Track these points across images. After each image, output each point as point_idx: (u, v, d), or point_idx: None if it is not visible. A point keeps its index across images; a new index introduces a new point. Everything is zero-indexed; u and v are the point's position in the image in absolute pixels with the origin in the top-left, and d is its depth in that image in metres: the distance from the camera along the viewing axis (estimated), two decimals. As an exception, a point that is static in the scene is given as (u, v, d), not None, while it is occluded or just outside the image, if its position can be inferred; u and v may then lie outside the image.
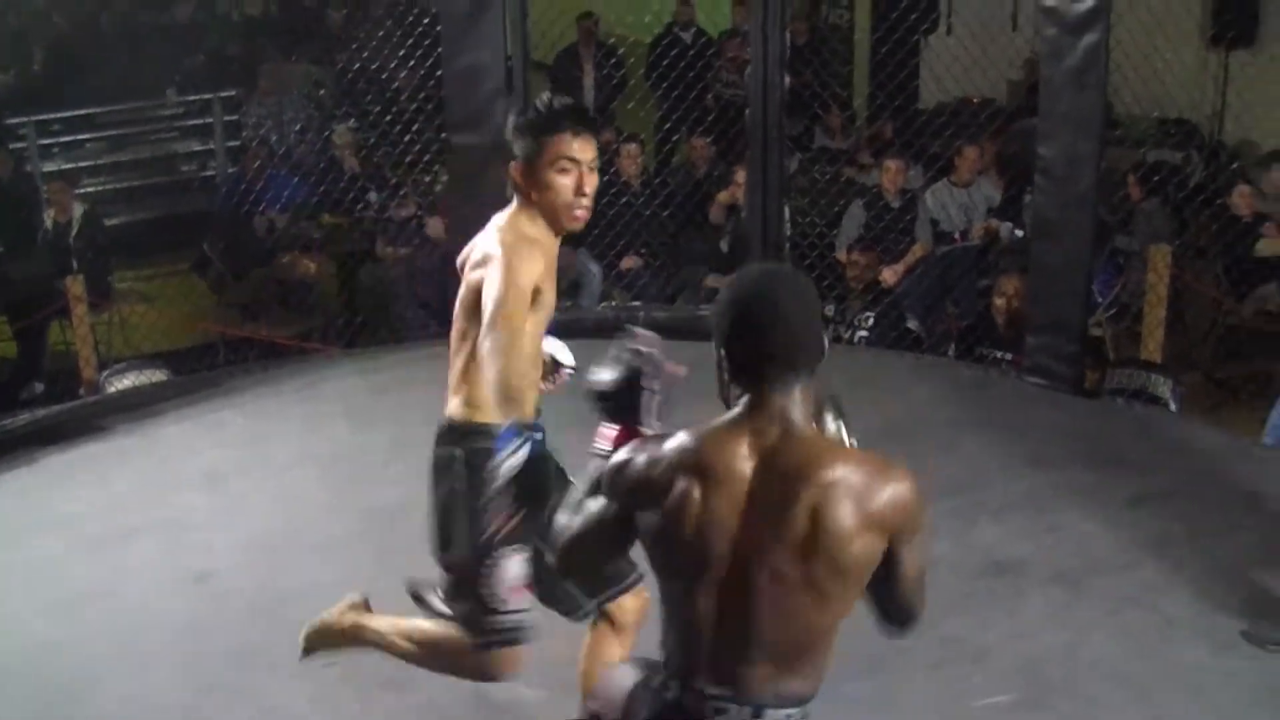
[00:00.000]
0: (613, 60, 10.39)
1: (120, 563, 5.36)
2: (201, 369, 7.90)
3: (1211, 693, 4.35)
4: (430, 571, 3.61)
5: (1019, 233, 8.07)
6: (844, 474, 2.43)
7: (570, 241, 8.41)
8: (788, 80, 7.52)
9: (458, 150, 7.46)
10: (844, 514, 2.40)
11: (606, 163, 8.74)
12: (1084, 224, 6.81)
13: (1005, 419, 6.68)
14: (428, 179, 8.69)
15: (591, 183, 3.39)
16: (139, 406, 7.03)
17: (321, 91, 11.05)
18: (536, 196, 3.39)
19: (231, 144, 11.50)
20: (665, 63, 9.17)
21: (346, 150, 9.49)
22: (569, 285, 8.34)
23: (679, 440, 2.53)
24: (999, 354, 7.57)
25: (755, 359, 2.51)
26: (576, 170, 3.36)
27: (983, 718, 4.24)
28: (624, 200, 8.67)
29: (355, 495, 5.87)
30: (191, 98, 11.94)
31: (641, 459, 2.56)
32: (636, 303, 8.07)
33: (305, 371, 7.58)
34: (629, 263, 8.69)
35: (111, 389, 7.22)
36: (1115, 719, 4.23)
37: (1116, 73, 6.94)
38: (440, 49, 7.47)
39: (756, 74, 7.48)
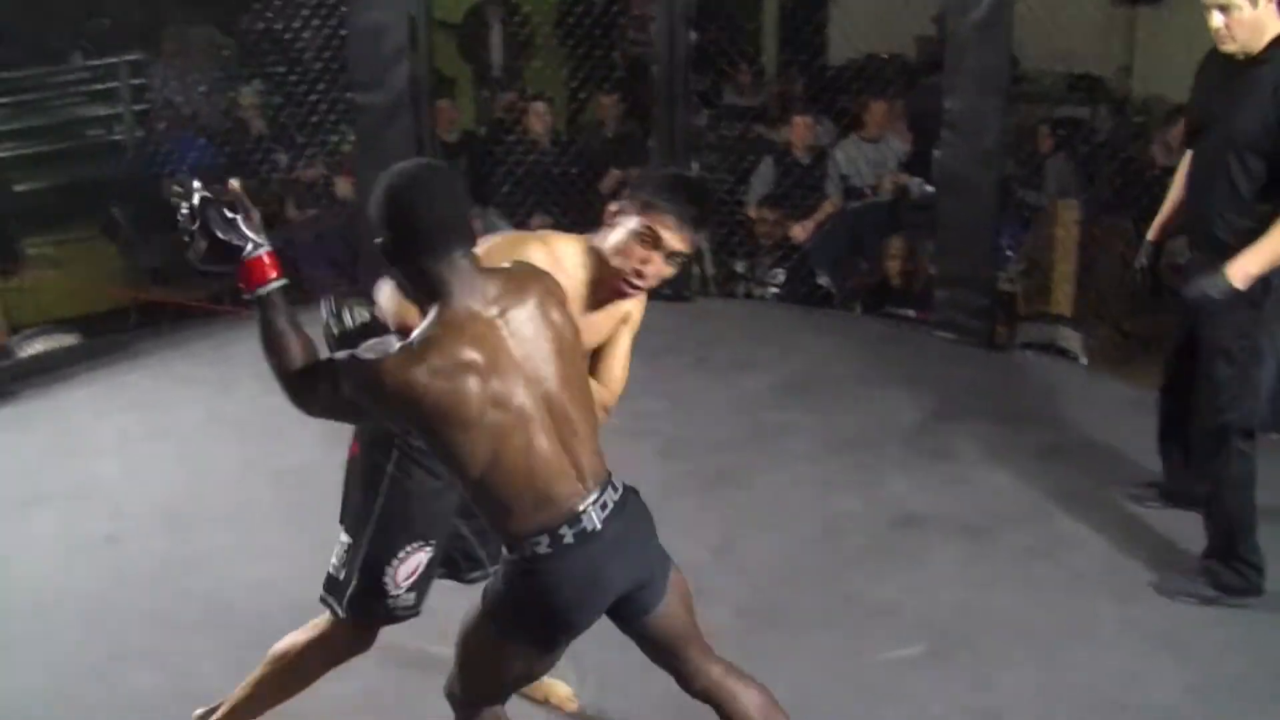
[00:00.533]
0: (517, 18, 10.32)
1: (28, 529, 5.31)
2: (112, 334, 7.81)
3: (1116, 644, 4.39)
4: (334, 536, 3.56)
5: (928, 188, 8.11)
6: (541, 279, 2.87)
7: (480, 200, 8.46)
8: (694, 36, 7.53)
9: (363, 109, 7.42)
10: (558, 309, 2.85)
11: (514, 121, 8.72)
12: (990, 179, 6.88)
13: (914, 373, 6.76)
14: (335, 139, 8.61)
15: (657, 272, 3.19)
16: (48, 371, 6.99)
17: (225, 53, 10.88)
18: (607, 246, 3.21)
19: (138, 108, 11.31)
20: (571, 20, 9.11)
21: (252, 112, 9.38)
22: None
23: (431, 346, 2.67)
24: (906, 311, 7.65)
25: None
26: (655, 252, 3.15)
27: (887, 671, 4.25)
28: (532, 158, 8.65)
29: (265, 458, 5.85)
30: (97, 62, 11.75)
31: (400, 377, 2.64)
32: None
33: (215, 334, 7.52)
34: (538, 222, 8.67)
35: (22, 355, 7.14)
36: (1018, 672, 4.24)
37: (1022, 27, 6.98)
38: (343, 8, 7.41)
39: (663, 30, 7.49)
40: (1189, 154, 4.72)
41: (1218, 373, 4.44)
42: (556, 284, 2.91)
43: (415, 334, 2.70)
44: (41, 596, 4.76)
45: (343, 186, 8.49)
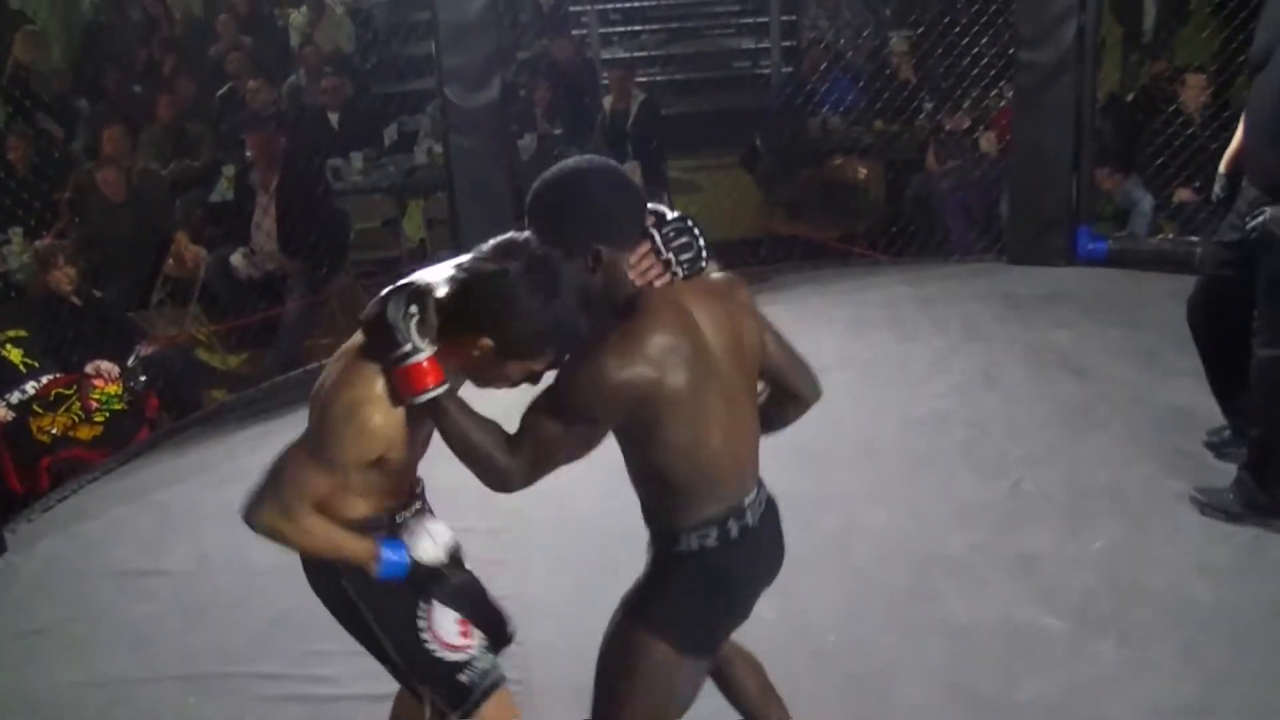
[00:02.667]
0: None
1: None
2: (745, 263, 8.06)
3: None
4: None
5: None
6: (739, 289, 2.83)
7: (1123, 168, 8.15)
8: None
9: (1024, 66, 7.27)
10: (752, 326, 2.79)
11: (1173, 93, 8.32)
12: None
13: None
14: (993, 94, 8.49)
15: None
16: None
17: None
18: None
19: (786, 44, 11.61)
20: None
21: (902, 58, 9.40)
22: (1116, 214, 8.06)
23: (651, 339, 2.56)
24: None
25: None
26: None
27: None
28: (1189, 131, 8.23)
29: (894, 403, 5.86)
30: (749, -5, 12.15)
31: (630, 372, 2.54)
32: (1193, 237, 7.66)
33: (852, 275, 7.60)
34: (1184, 195, 8.25)
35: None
36: None
37: None
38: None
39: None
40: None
41: (1274, 299, 4.41)
42: (743, 287, 2.85)
43: (615, 325, 2.58)
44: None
45: (987, 141, 8.37)
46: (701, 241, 2.75)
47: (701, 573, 2.77)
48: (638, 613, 2.82)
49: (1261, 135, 4.42)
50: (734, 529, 2.75)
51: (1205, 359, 5.00)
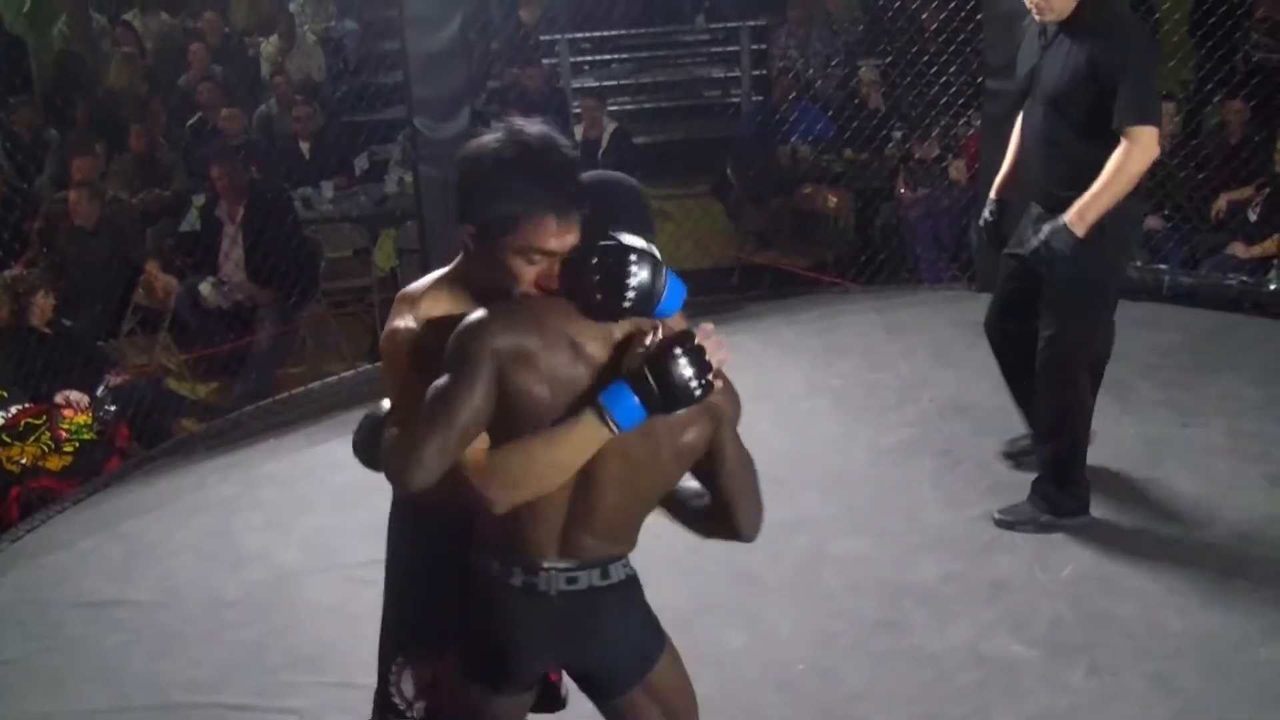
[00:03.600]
0: (1144, 5, 9.88)
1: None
2: (716, 292, 8.08)
3: None
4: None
5: None
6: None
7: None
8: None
9: (993, 95, 7.32)
10: (704, 427, 2.61)
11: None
12: None
13: None
14: (961, 122, 8.54)
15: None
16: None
17: (860, 28, 11.03)
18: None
19: (756, 73, 11.67)
20: (1212, 20, 8.62)
21: (871, 87, 9.46)
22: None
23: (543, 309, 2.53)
24: None
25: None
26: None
27: None
28: (1157, 160, 8.25)
29: (864, 431, 5.87)
30: (719, 25, 12.20)
31: (504, 324, 2.49)
32: (1161, 266, 7.71)
33: (822, 303, 7.60)
34: (1153, 223, 8.30)
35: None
36: None
37: None
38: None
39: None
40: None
41: (1065, 312, 4.67)
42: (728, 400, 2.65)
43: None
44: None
45: (956, 169, 8.42)
46: (652, 282, 2.48)
47: (479, 593, 2.74)
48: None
49: (1033, 156, 4.75)
50: (517, 577, 2.66)
51: (1004, 370, 5.20)
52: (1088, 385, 4.83)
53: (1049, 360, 4.75)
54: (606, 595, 2.72)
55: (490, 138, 2.59)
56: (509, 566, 2.67)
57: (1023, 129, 4.89)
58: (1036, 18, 4.57)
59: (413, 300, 2.70)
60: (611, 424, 2.47)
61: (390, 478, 2.54)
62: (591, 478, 2.59)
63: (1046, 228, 4.52)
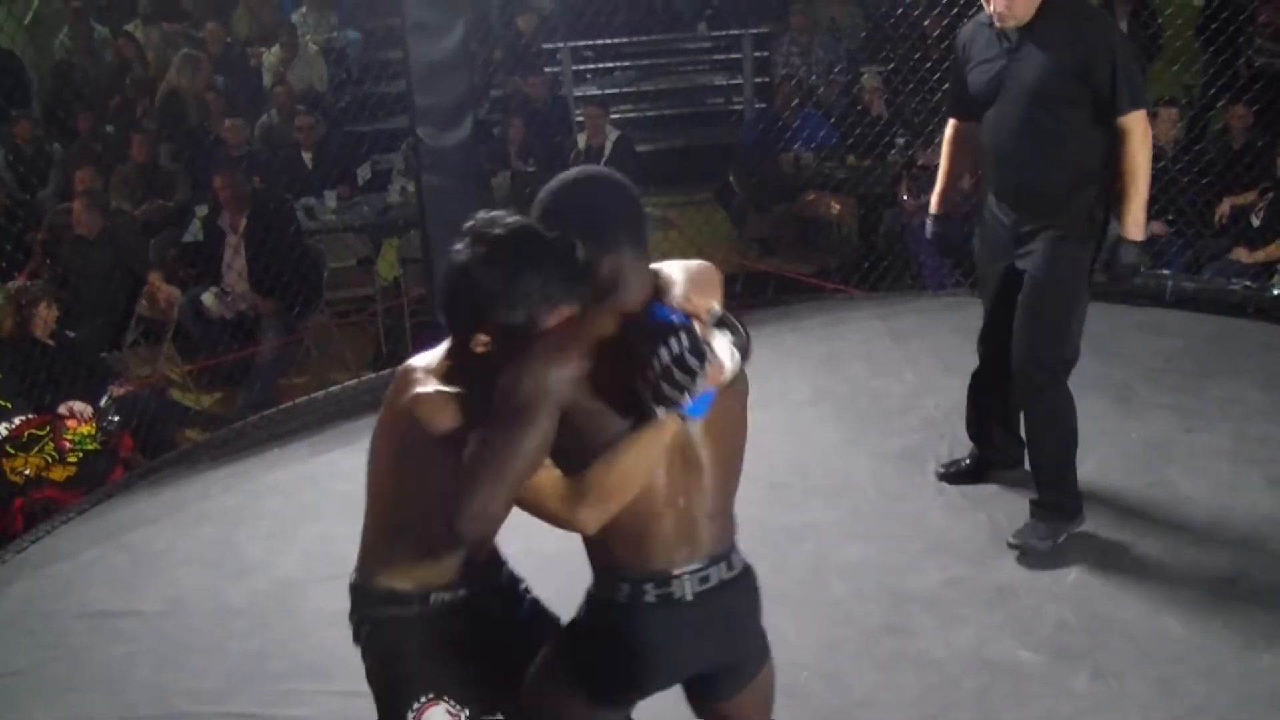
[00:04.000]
0: (1147, 10, 9.90)
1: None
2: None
3: None
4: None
5: None
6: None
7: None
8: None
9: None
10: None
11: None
12: None
13: None
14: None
15: None
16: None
17: (862, 35, 11.02)
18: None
19: (758, 80, 11.67)
20: (1215, 26, 8.63)
21: (873, 94, 9.46)
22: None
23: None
24: None
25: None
26: None
27: None
28: (1160, 164, 8.27)
29: (868, 438, 5.86)
30: (721, 33, 12.21)
31: (554, 358, 2.51)
32: (1164, 271, 7.71)
33: (826, 310, 7.59)
34: (1156, 229, 8.30)
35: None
36: None
37: None
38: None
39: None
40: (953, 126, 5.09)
41: (1047, 315, 4.68)
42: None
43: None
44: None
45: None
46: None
47: (607, 620, 2.72)
48: (556, 638, 2.86)
49: (1014, 161, 4.64)
50: (650, 593, 2.65)
51: (982, 386, 5.23)
52: (1066, 385, 4.79)
53: (1033, 362, 4.73)
54: (736, 585, 2.76)
55: (478, 249, 2.57)
56: (639, 585, 2.66)
57: (992, 136, 4.74)
58: (998, 24, 4.52)
59: (425, 370, 2.72)
60: (680, 413, 2.50)
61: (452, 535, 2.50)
62: (694, 464, 2.64)
63: (1121, 253, 4.57)
